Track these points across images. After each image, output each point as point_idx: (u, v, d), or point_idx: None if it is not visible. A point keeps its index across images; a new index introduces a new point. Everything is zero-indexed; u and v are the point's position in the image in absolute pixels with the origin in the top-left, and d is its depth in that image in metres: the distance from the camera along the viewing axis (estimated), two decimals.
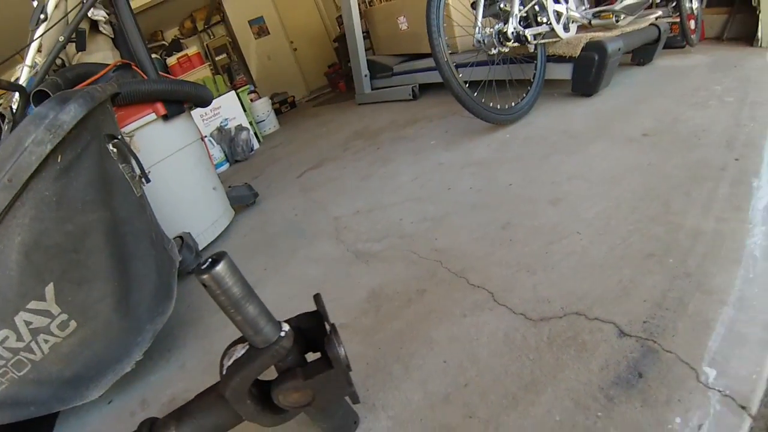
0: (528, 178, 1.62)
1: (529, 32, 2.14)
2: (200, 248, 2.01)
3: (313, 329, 0.70)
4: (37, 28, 1.98)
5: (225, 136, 4.49)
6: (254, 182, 2.94)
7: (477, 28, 2.18)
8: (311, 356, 0.74)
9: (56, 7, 2.00)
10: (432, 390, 0.88)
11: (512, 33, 2.11)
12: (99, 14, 2.12)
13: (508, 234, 1.29)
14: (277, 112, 6.36)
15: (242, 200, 2.51)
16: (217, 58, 8.11)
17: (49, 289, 1.02)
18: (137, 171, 1.45)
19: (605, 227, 1.19)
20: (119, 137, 1.32)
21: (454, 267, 1.22)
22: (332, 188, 2.28)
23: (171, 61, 5.64)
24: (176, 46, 7.26)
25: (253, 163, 4.09)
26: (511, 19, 2.12)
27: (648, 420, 0.72)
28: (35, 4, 2.08)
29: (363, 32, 4.48)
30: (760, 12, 2.85)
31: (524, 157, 1.81)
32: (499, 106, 2.20)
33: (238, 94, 5.04)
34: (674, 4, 2.94)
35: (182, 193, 2.03)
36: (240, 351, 0.65)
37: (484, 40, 2.17)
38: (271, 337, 0.63)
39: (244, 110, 5.01)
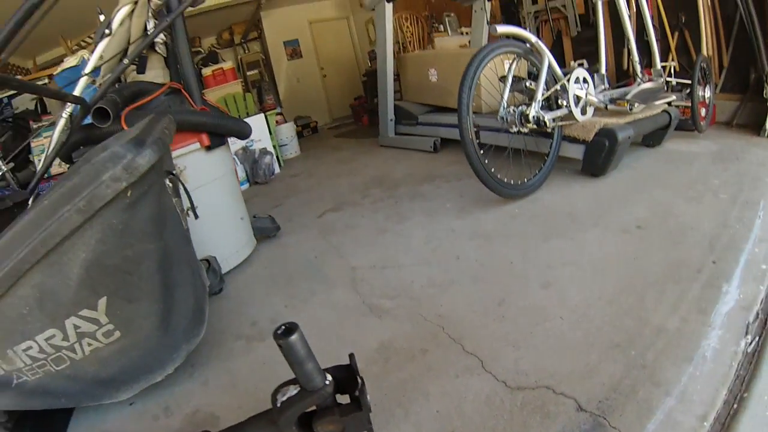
0: (527, 258, 1.90)
1: (548, 117, 2.45)
2: (223, 272, 2.27)
3: (344, 378, 0.98)
4: (100, 41, 2.23)
5: (249, 157, 4.81)
6: (274, 212, 3.23)
7: (502, 106, 2.50)
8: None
9: (121, 24, 2.24)
10: None
11: (533, 117, 2.42)
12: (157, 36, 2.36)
13: (502, 310, 1.57)
14: (299, 136, 6.69)
15: (265, 231, 2.80)
16: (248, 73, 8.58)
17: (102, 302, 1.22)
18: (186, 205, 1.71)
19: (584, 315, 1.46)
20: (174, 173, 1.58)
21: (453, 333, 1.50)
22: (351, 236, 2.57)
23: (206, 71, 5.97)
24: (213, 57, 7.71)
25: (273, 188, 4.40)
26: (534, 103, 2.44)
27: None
28: (102, 18, 2.36)
29: (394, 76, 4.85)
30: None
31: (527, 236, 2.10)
32: (512, 182, 2.50)
33: (266, 118, 5.36)
34: (688, 91, 3.25)
35: (213, 219, 2.23)
36: (292, 390, 0.94)
37: (506, 118, 2.49)
38: (318, 384, 0.91)
39: (270, 134, 5.33)
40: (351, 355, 1.02)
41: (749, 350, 1.27)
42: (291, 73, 9.09)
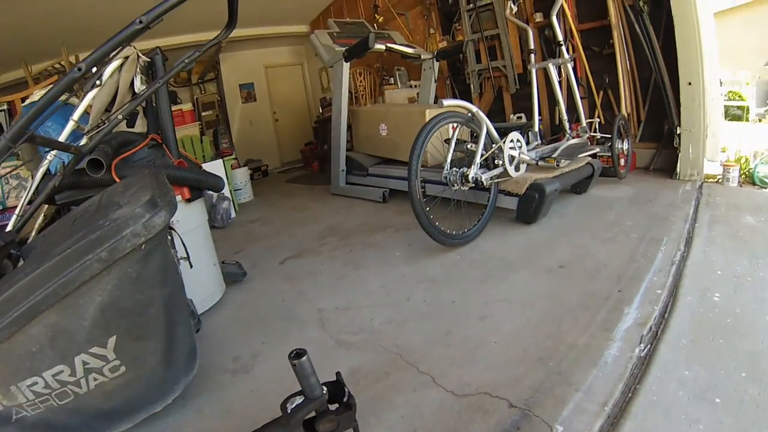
0: (467, 297, 2.38)
1: (485, 177, 3.00)
2: (199, 313, 2.46)
3: (334, 390, 1.38)
4: (90, 90, 2.43)
5: (206, 202, 5.00)
6: (237, 257, 3.51)
7: (446, 167, 3.02)
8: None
9: (110, 76, 2.45)
10: None
11: (472, 177, 2.96)
12: (138, 86, 2.59)
13: (447, 339, 2.02)
14: (250, 178, 6.97)
15: (233, 276, 3.09)
16: (204, 113, 8.83)
17: (112, 340, 1.41)
18: (181, 254, 1.98)
19: (514, 339, 1.93)
20: (173, 228, 1.88)
21: (409, 359, 1.92)
22: (314, 282, 2.95)
23: None
24: (171, 97, 7.94)
25: (232, 233, 4.69)
26: (473, 166, 2.97)
27: None
28: (94, 70, 2.58)
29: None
30: (680, 151, 3.91)
31: (467, 279, 2.60)
32: (453, 232, 3.00)
33: (224, 163, 5.62)
34: (608, 145, 3.91)
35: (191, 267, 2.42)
36: (298, 399, 1.31)
37: (449, 178, 3.02)
38: (318, 394, 1.31)
39: (227, 178, 5.54)
40: (338, 373, 1.43)
41: (642, 354, 1.75)
42: (245, 115, 9.48)
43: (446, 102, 2.89)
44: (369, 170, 5.10)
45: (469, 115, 3.08)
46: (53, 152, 2.37)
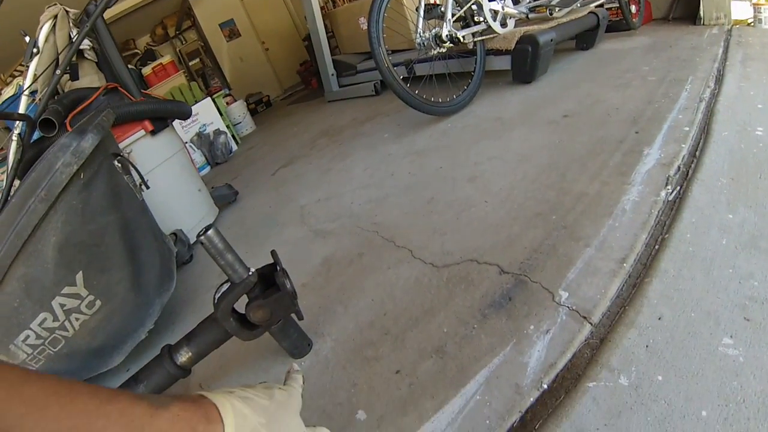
0: (456, 161, 1.93)
1: (462, 33, 2.44)
2: (191, 242, 2.31)
3: (271, 274, 1.04)
4: (31, 60, 2.25)
5: (204, 141, 4.74)
6: (234, 182, 3.25)
7: (418, 33, 2.48)
8: None
9: (46, 40, 2.27)
10: (361, 320, 1.20)
11: (446, 36, 2.40)
12: (84, 43, 2.39)
13: (430, 207, 1.60)
14: (254, 113, 6.61)
15: (224, 198, 2.82)
16: (190, 63, 8.37)
17: (79, 277, 1.31)
18: (137, 180, 1.79)
19: (507, 196, 1.49)
20: (121, 154, 1.65)
21: (386, 234, 1.54)
22: (300, 183, 2.58)
23: (146, 71, 5.85)
24: (150, 55, 7.50)
25: (232, 165, 4.38)
26: (444, 23, 2.42)
27: (510, 328, 1.02)
28: (27, 39, 2.37)
29: (328, 33, 4.77)
30: None
31: (457, 144, 2.13)
32: (440, 100, 2.50)
33: (214, 100, 5.28)
34: None
35: (172, 196, 2.32)
36: (224, 287, 1.01)
37: (423, 43, 2.47)
38: (243, 275, 0.98)
39: (221, 114, 5.26)
40: (272, 252, 1.07)
41: (670, 198, 1.31)
42: (233, 54, 8.84)
43: None
44: (358, 67, 4.62)
45: None
46: (17, 129, 2.16)
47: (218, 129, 4.95)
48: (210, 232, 0.95)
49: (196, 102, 5.29)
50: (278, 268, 1.01)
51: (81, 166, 1.28)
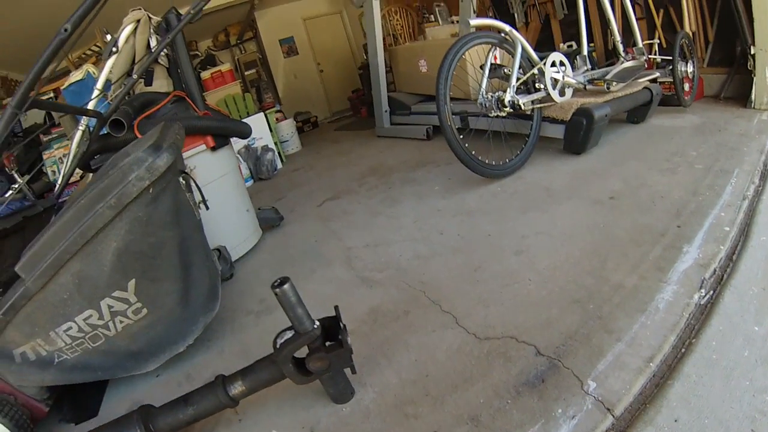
0: (504, 230, 2.08)
1: (523, 101, 2.61)
2: (233, 260, 2.49)
3: (331, 327, 1.21)
4: (109, 58, 2.47)
5: (251, 155, 4.98)
6: (277, 204, 3.44)
7: (481, 92, 2.66)
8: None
9: (126, 41, 2.49)
10: (404, 377, 1.35)
11: (509, 101, 2.58)
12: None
13: (477, 275, 1.75)
14: (300, 131, 6.82)
15: (269, 221, 3.01)
16: (246, 73, 8.73)
17: (131, 284, 1.44)
18: (198, 199, 1.94)
19: (550, 276, 1.63)
20: (186, 171, 1.81)
21: (433, 296, 1.69)
22: (347, 221, 2.76)
23: (204, 74, 6.09)
24: (210, 59, 7.90)
25: (275, 183, 4.59)
26: (509, 89, 2.59)
27: (540, 408, 1.16)
28: (108, 38, 2.60)
29: (386, 68, 4.99)
30: (754, 74, 3.24)
31: (506, 210, 2.28)
32: (494, 162, 2.66)
33: (266, 116, 5.52)
34: (670, 68, 3.36)
35: (222, 212, 2.44)
36: (288, 334, 1.17)
37: (485, 104, 2.65)
38: (308, 327, 1.14)
39: (271, 131, 5.48)
40: (336, 307, 1.23)
41: (702, 302, 1.42)
42: (288, 70, 9.25)
43: (473, 21, 2.54)
44: (412, 108, 4.81)
45: (502, 35, 2.68)
46: (84, 121, 2.40)
47: (267, 145, 5.16)
48: (286, 286, 1.10)
49: (248, 114, 5.56)
50: (342, 325, 1.17)
51: (153, 182, 1.38)
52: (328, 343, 1.22)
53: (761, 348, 1.21)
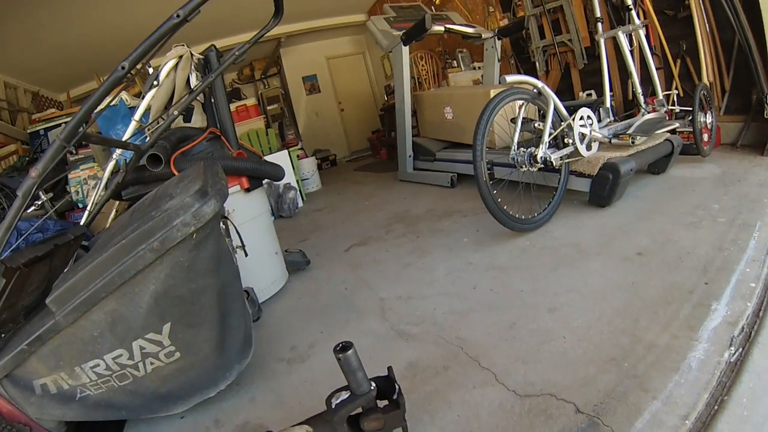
0: (536, 287, 2.17)
1: (554, 156, 2.75)
2: (260, 302, 2.57)
3: (384, 386, 1.28)
4: (149, 90, 2.61)
5: (273, 192, 5.13)
6: (301, 246, 3.54)
7: (513, 148, 2.81)
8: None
9: (167, 76, 2.62)
10: None
11: (541, 158, 2.73)
12: (194, 81, 2.70)
13: (513, 332, 1.85)
14: (318, 168, 7.03)
15: (296, 265, 3.11)
16: (269, 107, 9.10)
17: (166, 327, 1.46)
18: (236, 244, 2.01)
19: (585, 334, 1.73)
20: (226, 216, 1.90)
21: (471, 352, 1.78)
22: (377, 270, 2.86)
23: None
24: (235, 93, 8.27)
25: (298, 222, 4.73)
26: (541, 145, 2.74)
27: None
28: (151, 71, 2.75)
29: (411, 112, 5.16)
30: None
31: (537, 267, 2.38)
32: (523, 216, 2.79)
33: (290, 154, 5.72)
34: (690, 118, 3.49)
35: (251, 254, 2.42)
36: (344, 395, 1.24)
37: (517, 159, 2.80)
38: (366, 390, 1.22)
39: (293, 169, 5.68)
40: (389, 368, 1.33)
41: (732, 360, 1.50)
42: (310, 107, 9.61)
43: (509, 78, 2.68)
44: (436, 155, 4.96)
45: (535, 91, 2.86)
46: (118, 151, 2.52)
47: (289, 183, 5.30)
48: (349, 352, 1.18)
49: (271, 150, 5.74)
50: (397, 386, 1.28)
51: (198, 228, 1.40)
52: (380, 402, 1.31)
53: None
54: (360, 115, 9.80)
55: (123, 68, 1.52)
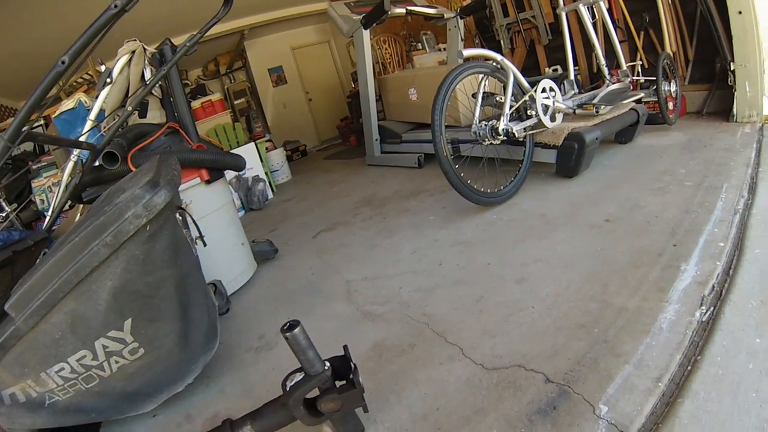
0: (503, 259, 2.12)
1: (517, 128, 2.69)
2: (228, 294, 2.50)
3: (340, 366, 1.22)
4: (103, 89, 2.49)
5: (242, 185, 5.03)
6: (271, 236, 3.47)
7: (474, 121, 2.74)
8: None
9: (120, 72, 2.51)
10: (415, 412, 1.37)
11: (503, 129, 2.66)
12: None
13: (480, 306, 1.79)
14: (289, 159, 6.94)
15: (264, 255, 3.03)
16: (236, 102, 8.95)
17: (127, 323, 1.42)
18: (194, 235, 1.94)
19: (553, 303, 1.68)
20: (183, 207, 1.83)
21: (437, 328, 1.72)
22: (344, 254, 2.79)
23: (195, 104, 6.17)
24: (200, 89, 8.04)
25: (267, 213, 4.62)
26: (503, 118, 2.68)
27: None
28: (103, 69, 2.63)
29: (376, 96, 5.10)
30: (735, 90, 3.40)
31: (503, 239, 2.33)
32: (489, 190, 2.73)
33: (257, 146, 5.61)
34: (654, 88, 3.49)
35: (216, 246, 2.42)
36: (298, 376, 1.18)
37: (479, 133, 2.73)
38: (319, 370, 1.15)
39: (261, 161, 5.56)
40: (345, 347, 1.26)
41: (704, 319, 1.47)
42: (277, 99, 9.45)
43: (466, 52, 2.61)
44: (402, 137, 4.90)
45: (494, 64, 2.79)
46: (76, 152, 2.41)
47: (258, 175, 5.23)
48: (297, 330, 1.12)
49: (239, 144, 5.64)
50: (352, 365, 1.20)
51: (150, 220, 1.37)
52: (338, 383, 1.24)
53: (764, 360, 1.25)
54: (328, 104, 9.67)
55: (63, 63, 1.47)
